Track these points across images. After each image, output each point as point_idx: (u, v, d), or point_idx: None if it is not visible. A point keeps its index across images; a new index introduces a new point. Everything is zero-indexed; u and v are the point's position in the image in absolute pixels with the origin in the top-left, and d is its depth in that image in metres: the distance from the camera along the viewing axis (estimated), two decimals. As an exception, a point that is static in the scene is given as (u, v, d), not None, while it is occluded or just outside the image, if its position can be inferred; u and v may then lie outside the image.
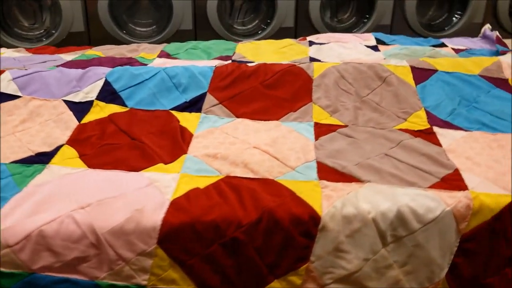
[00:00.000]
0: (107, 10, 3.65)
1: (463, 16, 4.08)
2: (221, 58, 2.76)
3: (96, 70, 2.19)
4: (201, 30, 3.91)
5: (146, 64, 2.61)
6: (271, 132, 1.93)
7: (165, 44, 2.99)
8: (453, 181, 1.64)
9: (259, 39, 3.66)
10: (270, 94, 2.15)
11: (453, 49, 2.94)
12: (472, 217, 1.56)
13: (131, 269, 1.49)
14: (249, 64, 2.33)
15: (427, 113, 2.09)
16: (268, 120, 2.04)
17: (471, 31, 4.12)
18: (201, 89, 2.14)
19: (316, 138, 1.90)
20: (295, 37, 3.79)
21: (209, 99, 2.11)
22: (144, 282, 1.51)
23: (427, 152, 1.80)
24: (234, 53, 2.82)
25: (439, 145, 1.87)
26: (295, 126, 2.00)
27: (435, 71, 2.29)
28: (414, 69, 2.30)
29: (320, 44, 3.00)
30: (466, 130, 1.99)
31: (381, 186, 1.61)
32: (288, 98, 2.15)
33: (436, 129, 1.99)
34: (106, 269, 1.49)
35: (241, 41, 3.28)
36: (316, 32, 3.89)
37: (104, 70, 2.18)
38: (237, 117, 2.06)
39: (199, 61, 2.66)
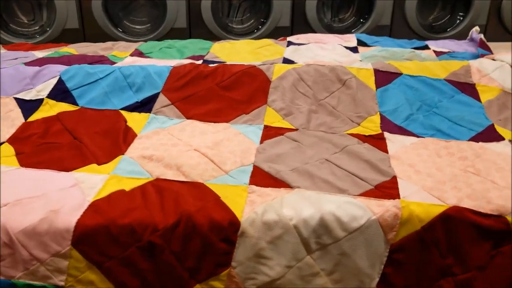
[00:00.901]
0: (101, 7, 3.67)
1: (465, 17, 3.98)
2: (193, 57, 2.74)
3: (52, 68, 2.19)
4: (195, 29, 3.88)
5: (115, 63, 2.58)
6: (218, 135, 1.91)
7: (141, 43, 2.96)
8: (386, 189, 1.60)
9: (253, 39, 3.63)
10: (225, 96, 2.12)
11: (435, 51, 2.87)
12: (401, 226, 1.52)
13: (46, 270, 1.48)
14: (210, 65, 2.29)
15: (382, 118, 2.04)
16: (218, 122, 2.01)
17: (474, 33, 4.01)
18: (155, 89, 2.12)
19: (262, 141, 1.87)
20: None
21: (161, 100, 2.09)
22: (62, 283, 1.50)
23: (369, 158, 1.75)
24: (208, 52, 2.79)
25: (386, 151, 1.83)
26: (244, 128, 1.97)
27: (399, 74, 2.24)
28: (377, 72, 2.25)
29: (299, 44, 2.94)
30: (418, 136, 1.94)
31: (309, 192, 1.57)
32: (243, 100, 2.12)
33: (387, 134, 1.94)
34: (21, 268, 1.48)
35: (236, 40, 3.24)
36: (313, 31, 3.84)
37: (60, 68, 2.18)
38: (188, 118, 2.03)
39: (169, 60, 2.63)
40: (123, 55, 2.75)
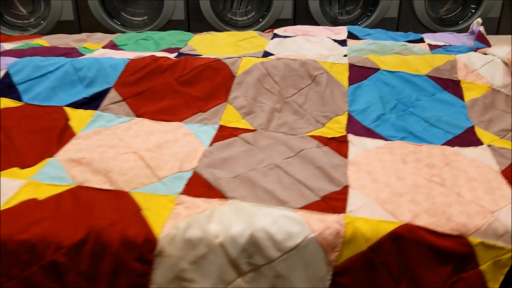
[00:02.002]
0: (97, -2, 3.47)
1: (478, 10, 3.68)
2: (168, 50, 2.54)
3: (3, 61, 1.99)
4: (194, 21, 3.67)
5: (83, 55, 2.39)
6: (165, 135, 1.70)
7: (118, 34, 2.76)
8: (334, 201, 1.37)
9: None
10: (183, 92, 1.91)
11: (430, 45, 2.61)
12: (344, 246, 1.29)
13: None
14: (172, 57, 2.08)
15: (350, 118, 1.81)
16: (171, 120, 1.81)
17: (487, 26, 3.73)
18: (107, 84, 1.92)
19: (212, 143, 1.64)
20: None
21: (112, 95, 1.88)
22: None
23: (324, 164, 1.52)
24: (186, 45, 2.58)
25: (345, 156, 1.60)
26: (196, 128, 1.76)
27: (376, 70, 2.00)
28: (352, 67, 2.01)
29: (285, 37, 2.70)
30: (386, 139, 1.70)
31: (244, 204, 1.35)
32: (202, 96, 1.91)
33: (351, 137, 1.70)
34: None
35: None
36: (316, 24, 3.61)
37: (9, 61, 1.98)
38: (138, 116, 1.83)
39: (140, 53, 2.42)
40: (95, 47, 2.56)
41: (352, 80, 1.97)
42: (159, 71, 1.97)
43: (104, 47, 2.58)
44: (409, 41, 2.69)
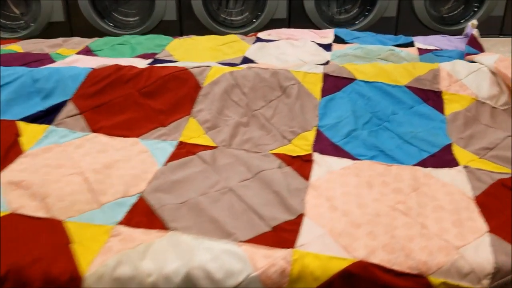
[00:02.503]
0: (87, -1, 3.35)
1: (480, 8, 3.50)
2: (144, 56, 2.41)
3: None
4: (186, 21, 3.54)
5: (55, 61, 2.27)
6: (118, 153, 1.58)
7: (95, 39, 2.63)
8: (285, 232, 1.24)
9: (248, 32, 3.27)
10: (144, 104, 1.78)
11: (420, 49, 2.44)
12: (291, 286, 1.14)
13: None
14: (159, 64, 1.95)
15: (318, 134, 1.67)
16: (128, 136, 1.68)
17: (490, 25, 3.58)
18: (65, 96, 1.79)
19: (167, 162, 1.51)
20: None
21: (69, 108, 1.76)
22: None
23: (281, 188, 1.39)
24: (163, 50, 2.44)
25: (307, 177, 1.45)
26: (153, 145, 1.63)
27: (352, 80, 1.86)
28: (327, 77, 1.86)
29: (268, 41, 2.56)
30: (354, 159, 1.56)
31: (185, 237, 1.22)
32: (164, 109, 1.78)
33: (316, 156, 1.56)
34: None
35: (229, 33, 2.94)
36: (311, 24, 3.46)
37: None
38: (93, 131, 1.70)
39: (113, 59, 2.30)
40: (69, 53, 2.43)
41: (326, 91, 1.83)
42: (121, 81, 1.84)
43: (78, 53, 2.46)
44: (399, 45, 2.53)
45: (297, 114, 1.75)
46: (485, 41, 2.55)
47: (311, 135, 1.67)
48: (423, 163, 1.54)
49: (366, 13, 3.60)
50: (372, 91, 1.83)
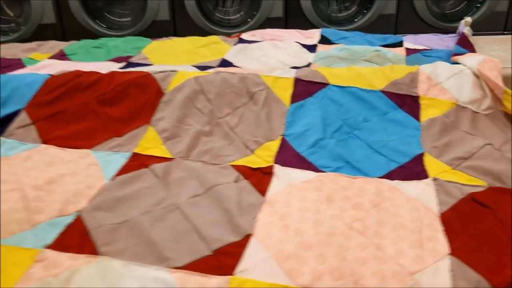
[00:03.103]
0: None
1: (484, 3, 3.33)
2: (118, 59, 2.30)
3: None
4: (179, 21, 3.43)
5: (25, 66, 2.17)
6: (66, 166, 1.48)
7: (71, 42, 2.53)
8: (226, 256, 1.13)
9: (243, 31, 3.15)
10: (101, 112, 1.68)
11: (408, 49, 2.30)
12: (227, 317, 1.02)
13: None
14: (132, 68, 1.85)
15: (283, 144, 1.55)
16: (80, 147, 1.57)
17: (494, 21, 3.41)
18: (19, 105, 1.68)
19: (116, 176, 1.40)
20: (286, 28, 3.26)
21: (21, 118, 1.66)
22: None
23: (233, 205, 1.29)
24: (139, 53, 2.33)
25: (264, 192, 1.32)
26: (104, 157, 1.52)
27: (324, 85, 1.73)
28: (298, 82, 1.74)
29: (251, 42, 2.44)
30: (318, 171, 1.44)
31: (114, 263, 1.12)
32: (123, 117, 1.67)
33: (277, 168, 1.45)
34: None
35: (224, 33, 2.88)
36: (309, 22, 3.32)
37: None
38: (44, 142, 1.60)
39: (86, 63, 2.20)
40: (42, 57, 2.33)
41: (296, 97, 1.70)
42: (79, 88, 1.74)
43: (51, 57, 2.36)
44: (387, 45, 2.39)
45: (263, 122, 1.64)
46: (481, 39, 2.40)
47: (275, 145, 1.55)
48: (390, 175, 1.41)
49: (365, 11, 3.45)
50: (345, 96, 1.70)
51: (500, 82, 1.64)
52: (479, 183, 1.35)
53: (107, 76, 1.78)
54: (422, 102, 1.68)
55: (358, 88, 1.73)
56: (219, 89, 1.74)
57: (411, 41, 2.47)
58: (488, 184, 1.35)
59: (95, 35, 3.00)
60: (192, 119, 1.67)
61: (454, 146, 1.52)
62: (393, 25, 3.40)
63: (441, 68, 1.78)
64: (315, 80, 1.76)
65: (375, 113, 1.66)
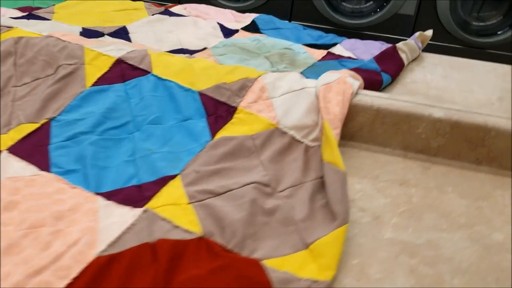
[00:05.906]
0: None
1: (515, 19, 2.86)
2: (24, 9, 2.14)
3: None
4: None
5: None
6: None
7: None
8: None
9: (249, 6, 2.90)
10: None
11: (330, 53, 1.97)
12: None
13: None
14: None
15: (42, 129, 1.38)
16: None
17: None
18: None
19: None
20: (290, 17, 2.95)
21: None
22: None
23: None
24: (50, 6, 2.16)
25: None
26: None
27: (146, 72, 1.48)
28: (119, 63, 1.52)
29: (175, 15, 2.18)
30: (45, 169, 1.20)
31: None
32: None
33: (3, 155, 1.20)
34: None
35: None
36: (317, 12, 2.95)
37: None
38: None
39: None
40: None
41: (104, 80, 1.44)
42: None
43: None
44: (316, 45, 2.04)
45: (45, 100, 1.38)
46: (433, 58, 2.01)
47: (29, 129, 1.29)
48: (113, 194, 1.12)
49: (378, 10, 3.04)
50: (158, 90, 1.43)
51: (335, 111, 1.29)
52: (195, 230, 1.03)
53: None
54: (237, 115, 1.37)
55: (176, 83, 1.44)
56: (33, 55, 1.52)
57: (347, 45, 2.11)
58: (204, 234, 1.03)
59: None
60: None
61: (222, 175, 1.20)
62: (411, 28, 2.99)
63: (286, 81, 1.44)
64: (137, 66, 1.47)
65: (175, 116, 1.37)
